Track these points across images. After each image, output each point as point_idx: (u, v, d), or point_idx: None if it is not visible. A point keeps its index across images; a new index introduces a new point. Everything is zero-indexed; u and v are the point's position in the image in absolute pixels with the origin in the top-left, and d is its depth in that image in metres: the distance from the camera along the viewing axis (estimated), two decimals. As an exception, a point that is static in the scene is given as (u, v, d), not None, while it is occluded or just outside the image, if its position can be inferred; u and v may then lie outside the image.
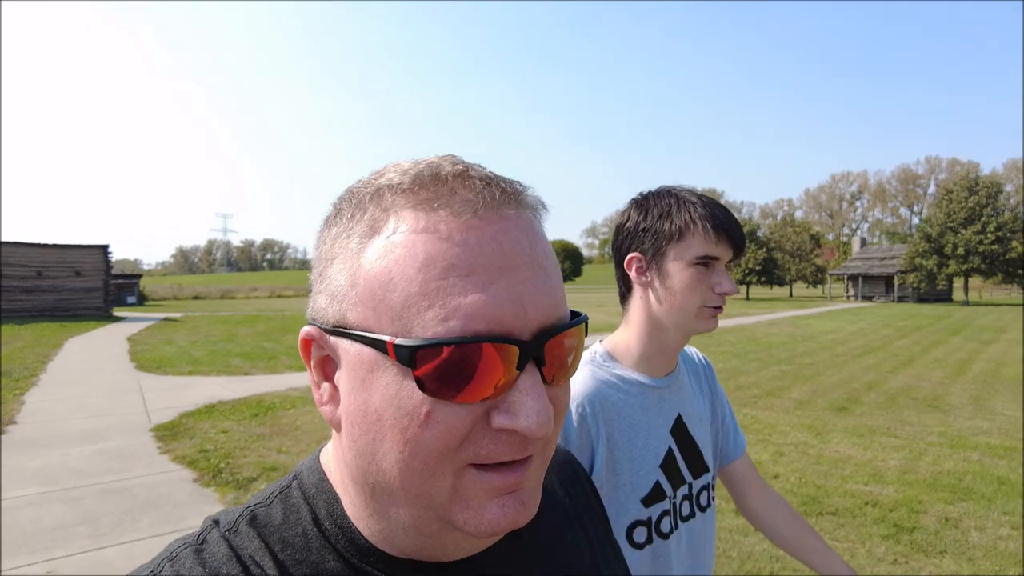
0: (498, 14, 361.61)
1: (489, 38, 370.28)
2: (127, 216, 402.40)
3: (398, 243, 0.48)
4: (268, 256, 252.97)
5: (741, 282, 53.83)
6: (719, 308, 1.29)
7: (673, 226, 1.26)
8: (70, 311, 26.91)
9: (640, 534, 1.26)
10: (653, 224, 1.28)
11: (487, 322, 0.46)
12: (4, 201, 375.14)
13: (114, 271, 30.98)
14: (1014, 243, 43.10)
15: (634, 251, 1.31)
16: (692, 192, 1.30)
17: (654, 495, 1.28)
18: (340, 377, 0.51)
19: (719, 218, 1.25)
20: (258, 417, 7.60)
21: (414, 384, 0.46)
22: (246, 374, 11.37)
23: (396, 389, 0.47)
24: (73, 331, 20.03)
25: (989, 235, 43.90)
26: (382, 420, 0.47)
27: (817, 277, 62.01)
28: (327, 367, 0.52)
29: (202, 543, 0.53)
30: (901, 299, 48.26)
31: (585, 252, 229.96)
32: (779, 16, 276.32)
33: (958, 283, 49.53)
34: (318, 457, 0.60)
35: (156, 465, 5.85)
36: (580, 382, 1.29)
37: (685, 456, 1.36)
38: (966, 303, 43.89)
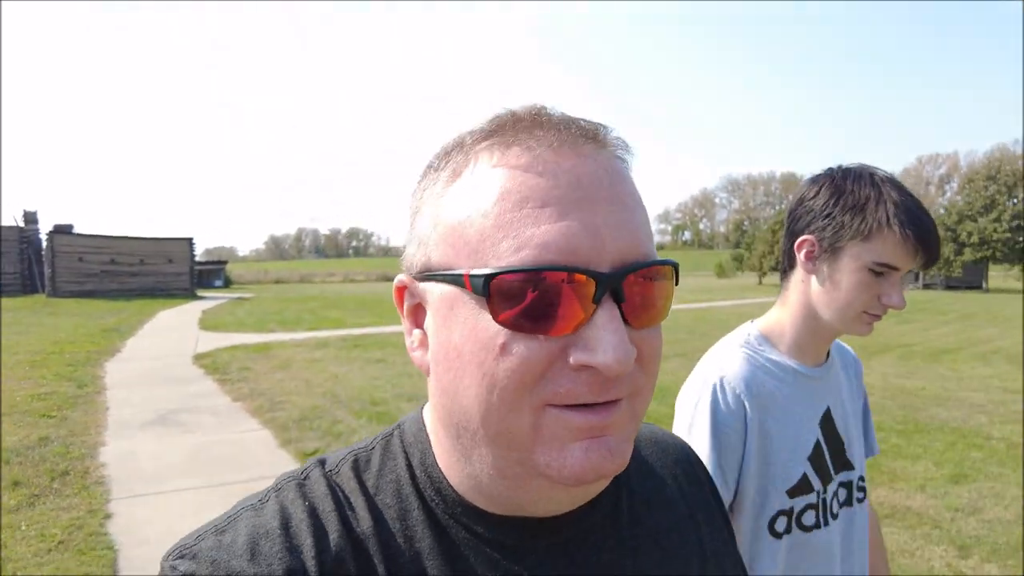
0: None
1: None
2: (226, 208, 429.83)
3: (475, 181, 0.49)
4: (354, 243, 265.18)
5: (763, 269, 54.91)
6: (878, 317, 1.21)
7: (864, 224, 1.15)
8: (164, 291, 33.21)
9: (781, 523, 1.21)
10: (843, 215, 1.18)
11: (561, 252, 0.45)
12: (122, 200, 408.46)
13: (208, 258, 37.01)
14: None
15: (810, 233, 1.23)
16: (895, 185, 1.18)
17: (800, 487, 1.23)
18: (428, 321, 0.53)
19: (917, 227, 1.13)
20: (259, 352, 12.34)
21: (490, 316, 0.46)
22: (271, 332, 16.34)
23: (474, 323, 0.47)
24: (165, 306, 25.91)
25: (1004, 223, 44.91)
26: (462, 356, 0.48)
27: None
28: (418, 314, 0.54)
29: (305, 479, 0.57)
30: (927, 286, 49.24)
31: (657, 238, 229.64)
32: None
33: (997, 271, 50.02)
34: (422, 409, 0.62)
35: (188, 368, 10.76)
36: (735, 365, 1.24)
37: (831, 451, 1.30)
38: (986, 290, 44.87)
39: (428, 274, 0.51)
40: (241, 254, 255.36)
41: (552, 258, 0.45)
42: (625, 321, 0.47)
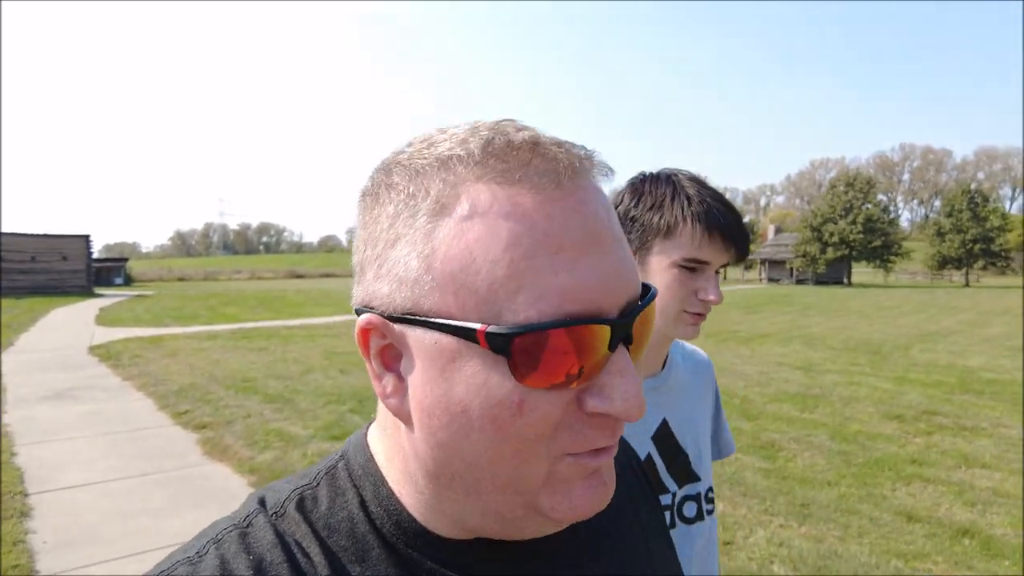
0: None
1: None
2: (128, 202, 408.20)
3: (478, 222, 0.44)
4: (264, 239, 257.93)
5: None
6: (701, 315, 1.20)
7: (662, 220, 1.17)
8: (59, 289, 32.93)
9: None
10: (643, 214, 1.19)
11: (580, 302, 0.43)
12: (11, 194, 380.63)
13: (109, 254, 36.55)
14: (882, 234, 50.33)
15: None
16: (695, 182, 1.20)
17: None
18: (407, 367, 0.48)
19: (715, 219, 1.15)
20: (151, 344, 13.49)
21: (504, 372, 0.43)
22: (166, 326, 17.35)
23: (483, 378, 0.44)
24: (59, 304, 26.10)
25: (858, 225, 50.78)
26: (468, 412, 0.45)
27: (749, 263, 68.07)
28: (388, 357, 0.49)
29: (247, 526, 0.52)
30: (800, 281, 54.45)
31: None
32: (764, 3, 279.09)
33: (861, 267, 55.84)
34: (365, 435, 0.58)
35: (83, 357, 11.89)
36: None
37: (668, 464, 1.27)
38: (848, 285, 50.39)
39: (416, 319, 0.46)
40: (145, 250, 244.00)
41: (571, 309, 0.43)
42: None
